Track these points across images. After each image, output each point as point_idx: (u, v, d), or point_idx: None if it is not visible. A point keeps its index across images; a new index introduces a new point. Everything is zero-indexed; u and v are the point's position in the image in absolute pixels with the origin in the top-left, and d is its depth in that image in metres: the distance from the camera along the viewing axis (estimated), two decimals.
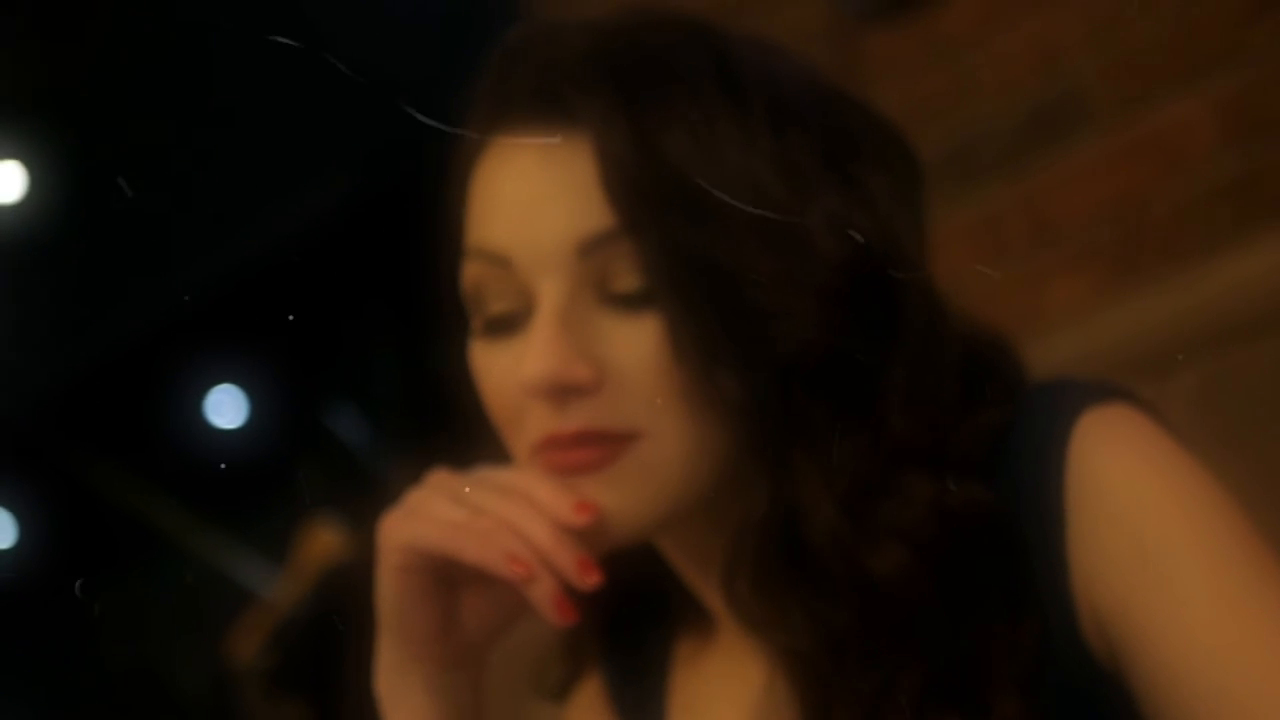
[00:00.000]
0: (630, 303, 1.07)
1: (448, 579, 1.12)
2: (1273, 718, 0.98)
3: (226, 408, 6.42)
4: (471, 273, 1.12)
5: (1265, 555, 1.04)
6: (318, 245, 5.43)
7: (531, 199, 1.09)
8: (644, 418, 1.07)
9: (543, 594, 1.06)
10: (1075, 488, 1.06)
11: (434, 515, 1.10)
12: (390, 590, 1.12)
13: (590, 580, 1.07)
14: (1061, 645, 1.05)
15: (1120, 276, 2.53)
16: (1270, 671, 0.99)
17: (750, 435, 1.06)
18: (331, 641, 3.84)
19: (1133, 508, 1.05)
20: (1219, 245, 2.39)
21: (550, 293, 1.07)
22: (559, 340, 1.06)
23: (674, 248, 1.05)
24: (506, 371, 1.10)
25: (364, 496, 4.44)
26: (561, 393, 1.06)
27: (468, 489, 1.11)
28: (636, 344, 1.07)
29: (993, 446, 1.09)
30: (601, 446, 1.07)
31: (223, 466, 6.05)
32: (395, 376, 5.73)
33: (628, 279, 1.07)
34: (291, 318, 5.23)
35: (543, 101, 1.09)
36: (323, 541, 4.23)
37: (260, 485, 5.63)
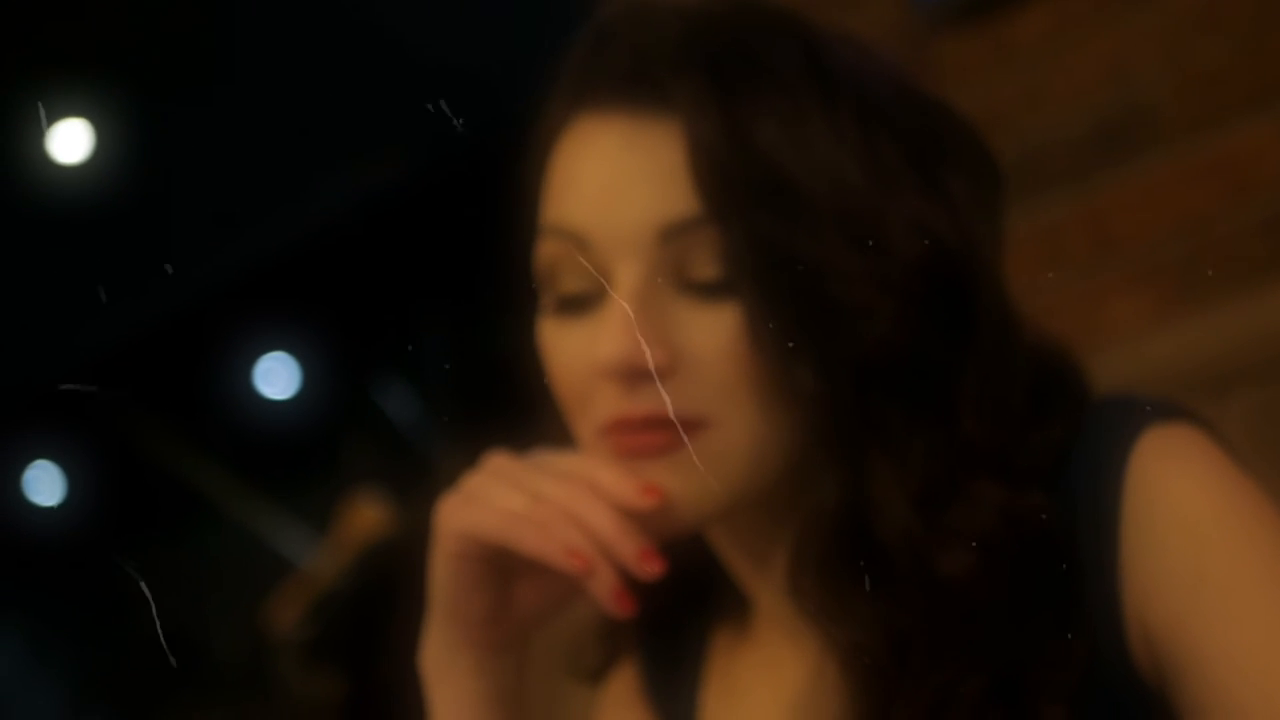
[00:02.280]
0: (707, 292, 1.07)
1: (502, 566, 1.12)
2: None
3: (277, 376, 6.44)
4: (547, 250, 1.12)
5: None
6: (379, 219, 5.44)
7: (615, 180, 1.08)
8: (714, 406, 1.06)
9: (602, 586, 1.07)
10: (1133, 505, 1.06)
11: (493, 503, 1.09)
12: (445, 575, 1.12)
13: (652, 569, 1.07)
14: (1108, 660, 1.05)
15: (1181, 297, 2.52)
16: None
17: (824, 430, 1.06)
18: (370, 617, 3.86)
19: (1191, 529, 1.04)
20: None
21: (628, 275, 1.07)
22: (635, 322, 1.05)
23: (758, 238, 1.04)
24: (577, 351, 1.10)
25: (410, 473, 4.46)
26: (634, 375, 1.06)
27: (528, 474, 1.10)
28: (712, 332, 1.06)
29: (1055, 460, 1.08)
30: (670, 432, 1.06)
31: (270, 436, 6.08)
32: (447, 355, 5.74)
33: (707, 268, 1.06)
34: (348, 289, 5.24)
35: (634, 83, 1.09)
36: (365, 516, 4.23)
37: (306, 456, 5.65)
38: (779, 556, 1.14)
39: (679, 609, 1.29)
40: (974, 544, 1.04)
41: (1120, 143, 2.60)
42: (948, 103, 1.17)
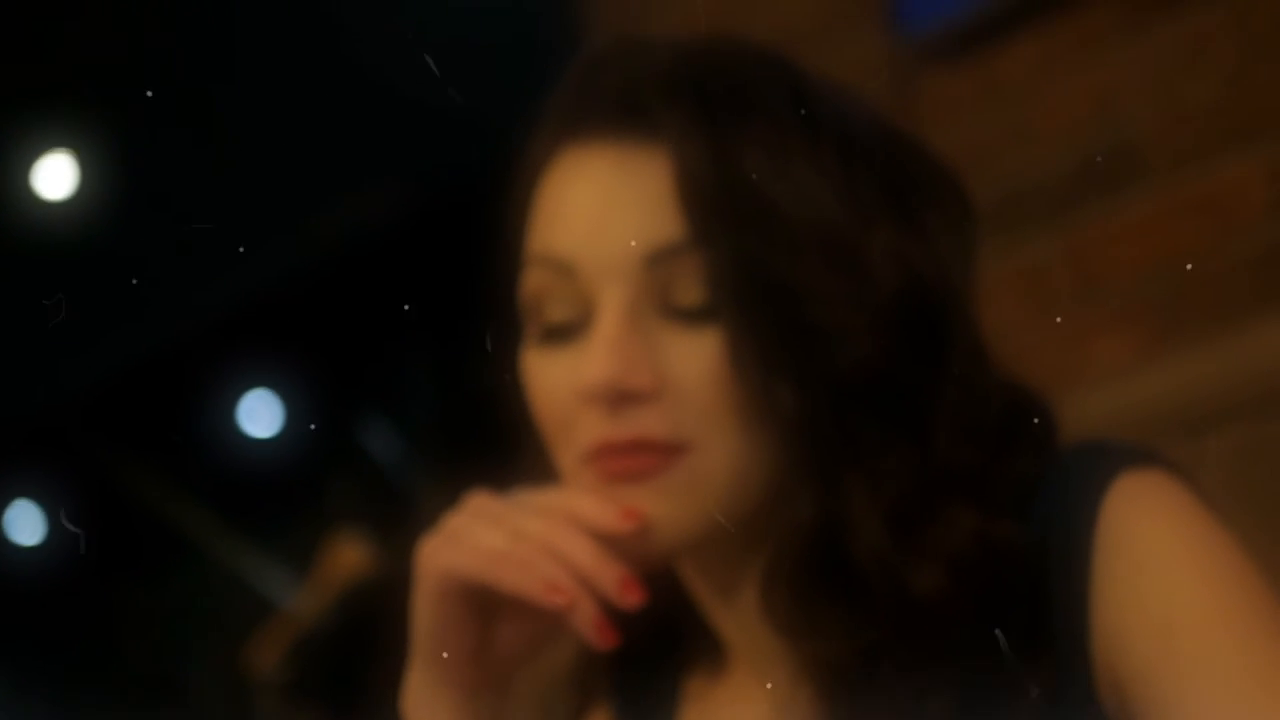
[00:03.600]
0: (691, 317, 1.08)
1: (484, 605, 1.12)
2: None
3: (260, 415, 6.44)
4: (533, 280, 1.13)
5: None
6: (363, 256, 5.45)
7: (602, 208, 1.10)
8: (697, 430, 1.07)
9: (583, 619, 1.07)
10: (1104, 551, 1.06)
11: (473, 542, 1.09)
12: (426, 615, 1.11)
13: (632, 599, 1.07)
14: (1075, 700, 1.05)
15: (1164, 336, 2.52)
16: None
17: (801, 450, 1.07)
18: (351, 657, 3.85)
19: (1162, 578, 1.04)
20: (1265, 310, 2.38)
21: (613, 300, 1.08)
22: (621, 345, 1.07)
23: (740, 262, 1.06)
24: (560, 378, 1.11)
25: (392, 512, 4.45)
26: (620, 398, 1.07)
27: (507, 512, 1.10)
28: (695, 357, 1.07)
29: (1023, 498, 1.09)
30: (653, 455, 1.07)
31: (253, 475, 6.08)
32: (430, 394, 5.75)
33: (691, 293, 1.08)
34: (331, 326, 5.24)
35: (622, 112, 1.11)
36: (348, 555, 4.24)
37: (289, 495, 5.65)
38: (747, 588, 1.14)
39: (651, 652, 1.29)
40: (946, 564, 1.05)
41: (1104, 179, 2.61)
42: (923, 142, 1.19)
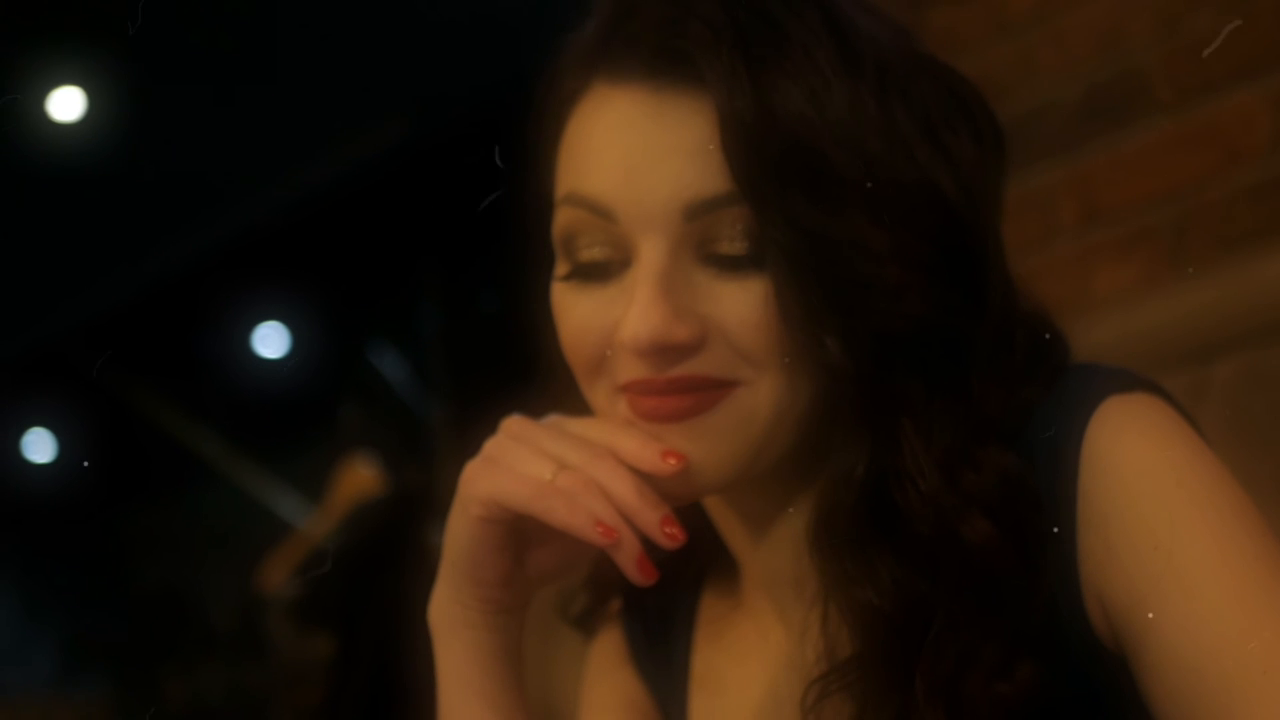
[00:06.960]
0: (731, 265, 1.07)
1: (522, 530, 1.13)
2: (1275, 714, 0.99)
3: (271, 342, 6.46)
4: (567, 218, 1.11)
5: (1276, 552, 1.04)
6: (372, 186, 5.44)
7: (642, 155, 1.08)
8: (740, 370, 1.07)
9: (627, 556, 1.07)
10: (1089, 474, 1.07)
11: (519, 470, 1.10)
12: (466, 537, 1.13)
13: (675, 539, 1.07)
14: (1068, 625, 1.06)
15: (1169, 264, 2.53)
16: (1276, 668, 0.99)
17: (850, 400, 1.07)
18: (358, 575, 3.89)
19: (1146, 498, 1.05)
20: (1268, 239, 2.39)
21: (652, 252, 1.07)
22: (664, 301, 1.06)
23: (789, 218, 1.04)
24: (595, 316, 1.10)
25: (403, 436, 4.47)
26: (664, 352, 1.06)
27: (550, 439, 1.11)
28: (738, 304, 1.07)
29: (1020, 423, 1.09)
30: (692, 396, 1.07)
31: (265, 398, 6.09)
32: (440, 320, 5.75)
33: (731, 243, 1.07)
34: (343, 255, 5.24)
35: (661, 55, 1.08)
36: (359, 477, 4.25)
37: (301, 420, 5.67)
38: (780, 526, 1.16)
39: (667, 571, 1.30)
40: (985, 510, 1.05)
41: (1110, 111, 2.62)
42: (950, 65, 1.17)
